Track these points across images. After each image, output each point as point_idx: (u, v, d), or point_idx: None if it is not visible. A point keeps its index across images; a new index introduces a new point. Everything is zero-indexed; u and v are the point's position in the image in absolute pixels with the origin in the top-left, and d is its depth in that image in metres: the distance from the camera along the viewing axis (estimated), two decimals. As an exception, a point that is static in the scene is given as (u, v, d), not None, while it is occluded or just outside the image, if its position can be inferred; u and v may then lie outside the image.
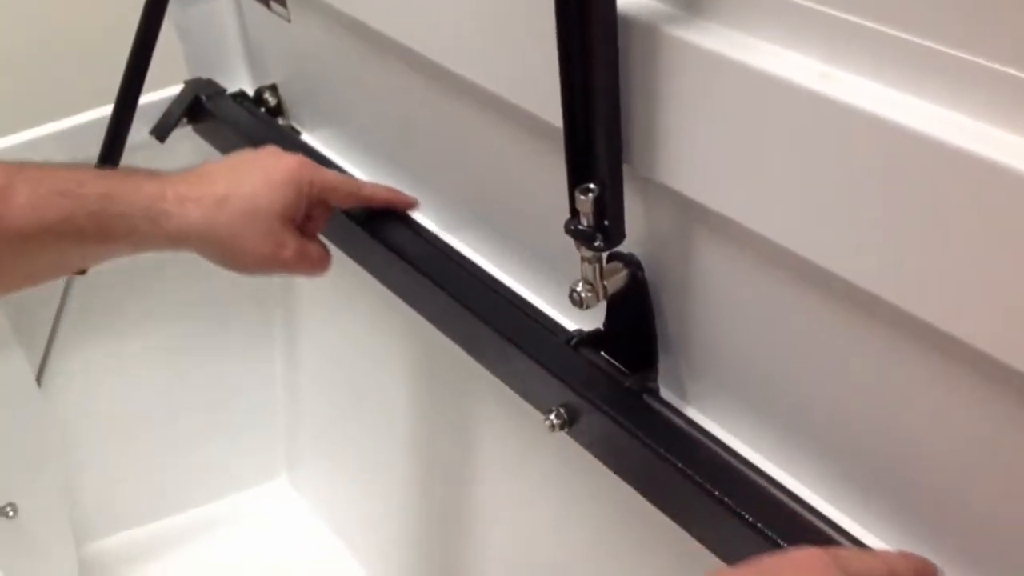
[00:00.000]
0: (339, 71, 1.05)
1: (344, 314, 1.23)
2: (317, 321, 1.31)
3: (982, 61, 0.48)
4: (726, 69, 0.58)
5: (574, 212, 0.70)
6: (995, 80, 0.48)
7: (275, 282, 1.32)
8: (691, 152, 0.63)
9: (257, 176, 0.84)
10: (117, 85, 1.11)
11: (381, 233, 0.92)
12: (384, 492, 1.28)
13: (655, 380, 0.77)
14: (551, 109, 0.68)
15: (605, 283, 0.73)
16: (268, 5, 1.10)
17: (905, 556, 0.63)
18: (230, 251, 0.83)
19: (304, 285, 1.30)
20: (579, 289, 0.73)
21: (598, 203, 0.69)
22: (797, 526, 0.65)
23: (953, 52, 0.49)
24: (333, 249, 0.88)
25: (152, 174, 0.82)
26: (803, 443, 0.69)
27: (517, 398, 0.83)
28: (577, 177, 0.69)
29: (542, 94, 0.69)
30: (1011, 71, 0.47)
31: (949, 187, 0.50)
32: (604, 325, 0.78)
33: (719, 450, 0.71)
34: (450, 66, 0.81)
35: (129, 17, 1.09)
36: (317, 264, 0.86)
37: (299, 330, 1.35)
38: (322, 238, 0.88)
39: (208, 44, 1.20)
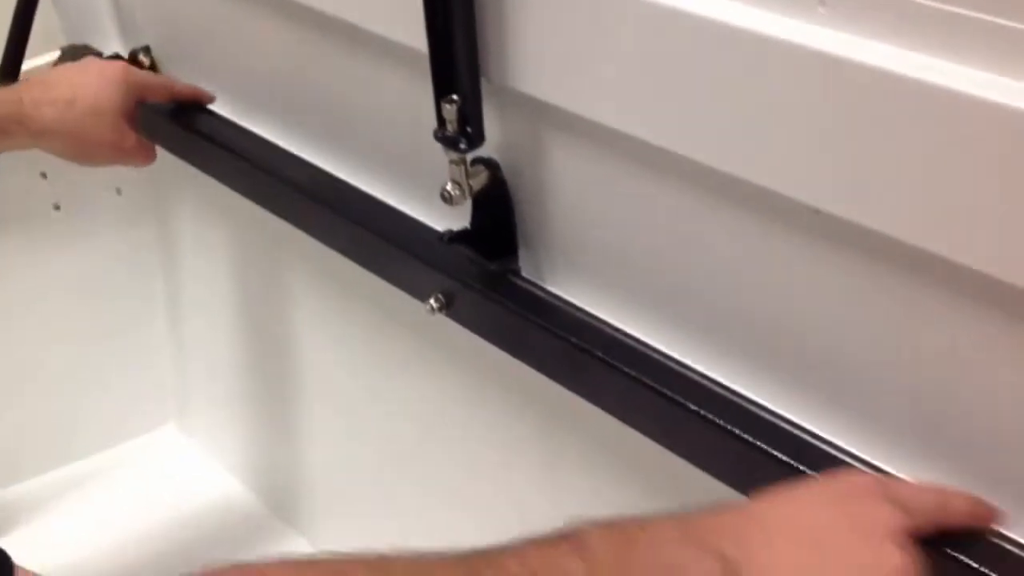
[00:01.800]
0: (208, 25, 1.15)
1: (223, 250, 1.33)
2: (198, 261, 1.39)
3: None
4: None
5: (440, 121, 0.83)
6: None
7: (152, 222, 1.40)
8: (535, 59, 0.77)
9: (96, 79, 1.05)
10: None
11: (279, 172, 1.05)
12: (273, 422, 1.38)
13: (517, 264, 0.91)
14: (414, 35, 0.81)
15: (471, 182, 0.87)
16: (140, -31, 1.20)
17: (961, 494, 0.61)
18: (80, 145, 1.04)
19: (181, 225, 1.39)
20: (448, 188, 0.86)
21: (460, 112, 0.82)
22: (639, 358, 0.80)
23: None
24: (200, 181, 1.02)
25: (5, 85, 1.03)
26: (640, 300, 0.84)
27: (396, 300, 0.96)
28: (441, 90, 0.82)
29: (405, 23, 0.82)
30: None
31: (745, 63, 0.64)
32: (471, 222, 0.92)
33: (571, 310, 0.85)
34: (319, 6, 0.93)
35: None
36: (150, 153, 1.10)
37: (180, 273, 1.43)
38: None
39: (82, 11, 1.28)
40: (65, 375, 1.44)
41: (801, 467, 0.68)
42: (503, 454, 1.04)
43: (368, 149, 1.02)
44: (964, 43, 0.55)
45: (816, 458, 0.70)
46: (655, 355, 0.80)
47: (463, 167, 0.85)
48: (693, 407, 0.74)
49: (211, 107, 1.16)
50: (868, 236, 0.62)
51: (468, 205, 0.89)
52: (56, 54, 1.28)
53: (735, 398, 0.75)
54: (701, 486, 0.73)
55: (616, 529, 0.55)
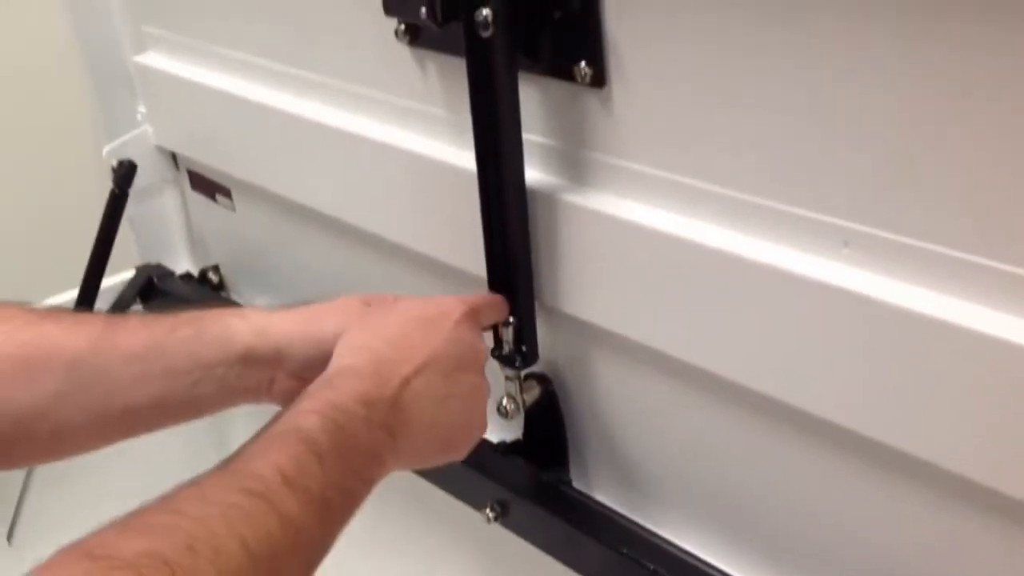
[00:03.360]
0: (273, 246, 1.25)
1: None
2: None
3: (780, 206, 0.70)
4: (605, 222, 0.80)
5: (497, 341, 0.90)
6: (787, 220, 0.70)
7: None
8: (584, 285, 0.84)
9: None
10: (73, 270, 1.28)
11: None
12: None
13: (568, 475, 0.96)
14: (475, 262, 0.88)
15: (524, 397, 0.93)
16: (214, 198, 1.30)
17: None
18: None
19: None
20: (504, 402, 0.92)
21: (517, 332, 0.89)
22: (689, 571, 0.84)
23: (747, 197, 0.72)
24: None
25: None
26: (690, 513, 0.88)
27: (454, 510, 1.01)
28: (499, 312, 0.89)
29: (466, 251, 0.90)
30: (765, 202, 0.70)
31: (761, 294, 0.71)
32: (524, 434, 0.98)
33: (621, 521, 0.90)
34: (380, 231, 1.02)
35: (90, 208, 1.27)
36: None
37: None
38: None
39: (157, 234, 1.39)
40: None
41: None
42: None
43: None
44: (974, 284, 0.61)
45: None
46: (706, 568, 0.84)
47: (518, 383, 0.92)
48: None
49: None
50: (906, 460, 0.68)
51: (521, 418, 0.95)
52: (131, 273, 1.38)
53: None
54: None
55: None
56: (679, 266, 0.76)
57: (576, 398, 0.94)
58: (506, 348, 0.89)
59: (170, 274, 1.37)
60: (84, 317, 0.81)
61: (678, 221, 0.76)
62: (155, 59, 1.23)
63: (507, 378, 0.91)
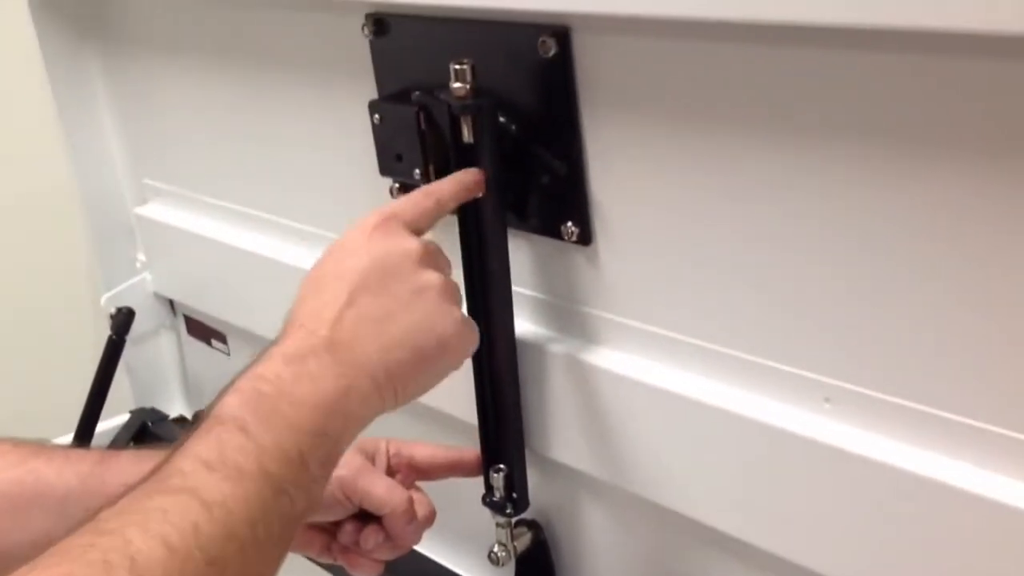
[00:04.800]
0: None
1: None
2: None
3: (763, 361, 0.73)
4: (593, 373, 0.82)
5: (488, 488, 0.91)
6: (777, 378, 0.73)
7: None
8: (573, 434, 0.86)
9: None
10: (68, 414, 1.29)
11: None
12: None
13: (559, 621, 0.96)
14: (467, 410, 0.90)
15: (515, 544, 0.94)
16: (210, 343, 1.33)
17: (451, 182, 0.75)
18: None
19: None
20: (495, 550, 0.93)
21: (507, 480, 0.90)
22: None
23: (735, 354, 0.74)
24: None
25: None
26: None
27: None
28: (490, 460, 0.91)
29: (458, 399, 0.92)
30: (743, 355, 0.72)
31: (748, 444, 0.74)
32: (515, 580, 0.98)
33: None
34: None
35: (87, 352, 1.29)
36: None
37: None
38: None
39: (153, 378, 1.41)
40: None
41: None
42: None
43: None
44: (954, 441, 0.64)
45: None
46: None
47: (509, 530, 0.93)
48: None
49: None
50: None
51: (513, 564, 0.95)
52: (125, 417, 1.39)
53: None
54: None
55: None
56: (664, 417, 0.78)
57: (567, 545, 0.95)
58: (497, 495, 0.90)
59: (164, 418, 1.38)
60: (75, 454, 0.82)
61: (663, 373, 0.79)
62: (155, 210, 1.27)
63: (498, 525, 0.92)
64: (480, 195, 0.78)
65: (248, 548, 0.56)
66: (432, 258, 0.72)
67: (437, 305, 0.70)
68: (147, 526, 0.53)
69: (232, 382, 0.63)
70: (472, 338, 0.74)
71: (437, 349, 0.70)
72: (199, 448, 0.58)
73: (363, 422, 0.66)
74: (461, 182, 0.77)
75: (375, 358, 0.67)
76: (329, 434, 0.63)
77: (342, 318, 0.67)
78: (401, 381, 0.68)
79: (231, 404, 0.61)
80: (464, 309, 0.74)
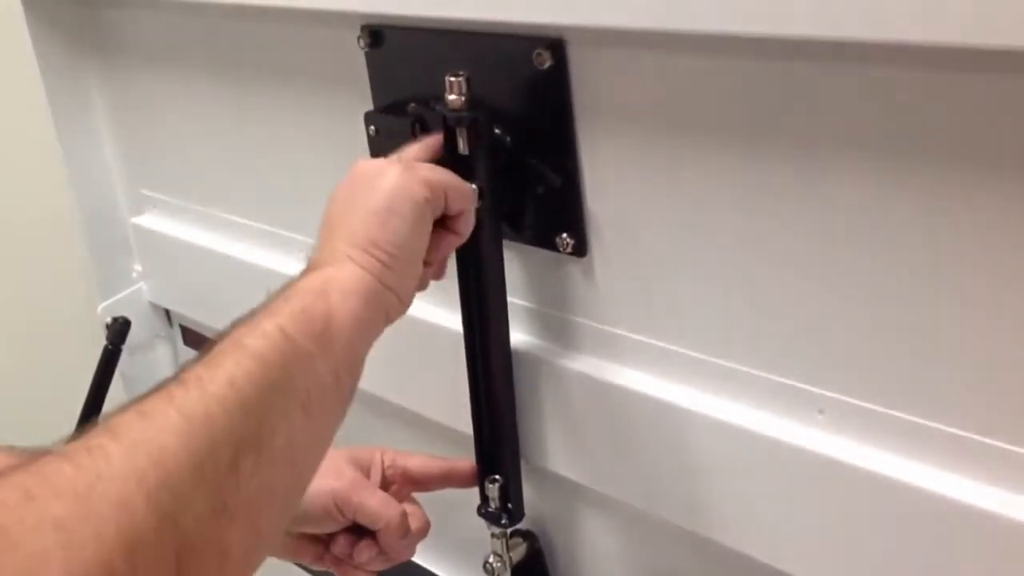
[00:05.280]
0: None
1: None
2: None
3: (757, 373, 0.73)
4: (588, 384, 0.82)
5: (484, 499, 0.91)
6: (765, 387, 0.73)
7: None
8: (568, 445, 0.87)
9: None
10: (63, 424, 1.29)
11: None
12: None
13: (555, 631, 0.96)
14: (463, 421, 0.91)
15: (511, 555, 0.94)
16: (206, 352, 1.33)
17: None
18: None
19: None
20: (491, 560, 0.93)
21: (502, 490, 0.90)
22: None
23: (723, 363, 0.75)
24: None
25: None
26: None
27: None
28: (485, 471, 0.91)
29: (454, 410, 0.92)
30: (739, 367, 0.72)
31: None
32: (510, 592, 0.98)
33: None
34: (375, 391, 1.04)
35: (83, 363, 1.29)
36: None
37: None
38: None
39: (149, 374, 1.40)
40: None
41: None
42: None
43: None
44: (947, 453, 0.64)
45: None
46: None
47: (504, 540, 0.93)
48: None
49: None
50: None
51: (508, 575, 0.96)
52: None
53: None
54: None
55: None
56: (658, 428, 0.79)
57: (562, 555, 0.95)
58: (492, 506, 0.91)
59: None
60: None
61: (658, 384, 0.79)
62: (152, 221, 1.27)
63: (493, 535, 0.92)
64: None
65: (233, 410, 0.55)
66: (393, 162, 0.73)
67: (378, 171, 0.71)
68: (126, 407, 0.53)
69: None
70: (412, 176, 0.72)
71: (383, 196, 0.70)
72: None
73: (356, 298, 0.66)
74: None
75: (340, 243, 0.69)
76: (309, 311, 0.63)
77: (320, 242, 0.70)
78: (368, 241, 0.68)
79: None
80: (432, 170, 0.74)
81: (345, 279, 0.66)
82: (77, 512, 0.47)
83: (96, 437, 0.51)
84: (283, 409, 0.58)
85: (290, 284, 0.67)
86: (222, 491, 0.54)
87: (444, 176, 0.73)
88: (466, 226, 0.76)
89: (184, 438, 0.52)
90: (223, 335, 0.61)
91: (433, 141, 0.78)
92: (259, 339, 0.59)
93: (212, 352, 0.59)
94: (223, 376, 0.56)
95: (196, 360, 0.58)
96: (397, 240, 0.69)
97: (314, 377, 0.61)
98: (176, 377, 0.57)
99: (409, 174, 0.71)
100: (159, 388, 0.56)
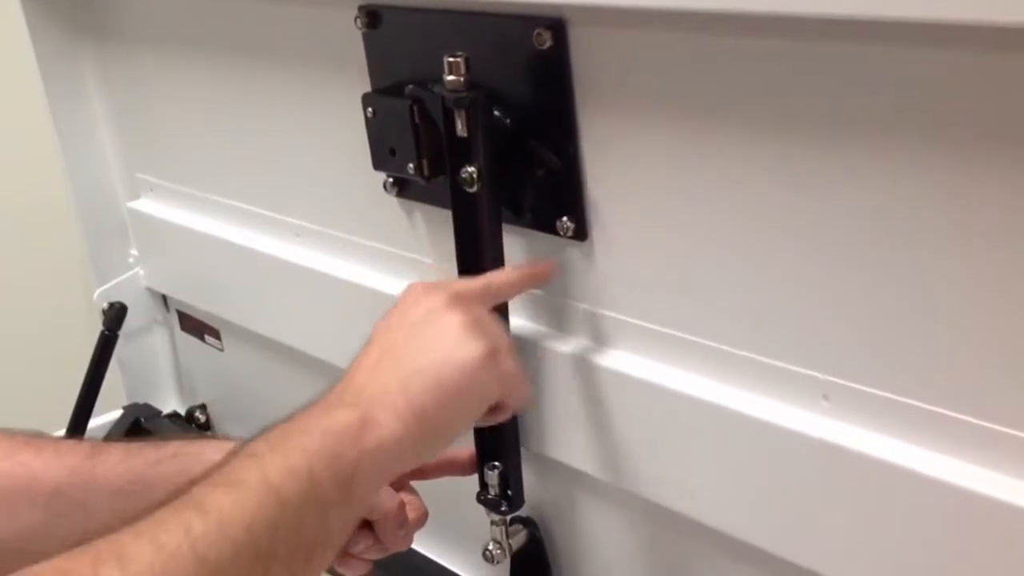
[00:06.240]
0: (268, 387, 1.26)
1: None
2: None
3: (760, 358, 0.72)
4: (588, 370, 0.81)
5: (483, 486, 0.91)
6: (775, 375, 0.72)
7: None
8: (568, 432, 0.86)
9: None
10: (61, 409, 1.28)
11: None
12: None
13: (555, 619, 0.96)
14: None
15: (510, 542, 0.93)
16: (203, 339, 1.32)
17: (511, 269, 0.77)
18: None
19: None
20: (490, 548, 0.92)
21: (502, 477, 0.89)
22: None
23: (734, 351, 0.74)
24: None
25: None
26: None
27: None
28: (484, 458, 0.90)
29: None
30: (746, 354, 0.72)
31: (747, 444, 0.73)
32: (510, 578, 0.98)
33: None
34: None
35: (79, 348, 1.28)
36: None
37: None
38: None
39: (146, 373, 1.40)
40: None
41: None
42: None
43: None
44: (951, 439, 0.63)
45: None
46: None
47: (503, 527, 0.92)
48: None
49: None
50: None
51: (508, 562, 0.95)
52: (118, 412, 1.38)
53: None
54: None
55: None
56: (660, 414, 0.78)
57: (562, 543, 0.94)
58: (492, 493, 0.90)
59: (157, 414, 1.37)
60: (65, 446, 0.82)
61: (660, 370, 0.78)
62: (148, 205, 1.26)
63: (493, 523, 0.92)
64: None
65: (245, 553, 0.55)
66: (463, 302, 0.71)
67: (459, 336, 0.68)
68: (139, 529, 0.53)
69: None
70: (504, 375, 0.70)
71: (459, 376, 0.67)
72: (213, 473, 0.58)
73: (385, 460, 0.64)
74: (524, 272, 0.79)
75: (393, 387, 0.66)
76: (341, 458, 0.61)
77: (368, 367, 0.68)
78: (424, 412, 0.66)
79: (251, 442, 0.61)
80: (513, 363, 0.72)
81: (385, 437, 0.64)
82: None
83: (106, 564, 0.51)
84: (290, 560, 0.58)
85: (330, 406, 0.64)
86: None
87: (519, 374, 0.72)
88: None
89: None
90: (251, 442, 0.61)
91: (535, 271, 0.79)
92: (284, 474, 0.58)
93: (235, 471, 0.58)
94: (241, 516, 0.55)
95: (219, 475, 0.58)
96: (449, 430, 0.68)
97: (323, 529, 0.60)
98: (193, 497, 0.56)
99: (493, 365, 0.69)
100: (176, 505, 0.55)
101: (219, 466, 0.59)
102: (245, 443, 0.61)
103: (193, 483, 0.58)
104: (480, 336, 0.69)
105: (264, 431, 0.62)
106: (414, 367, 0.67)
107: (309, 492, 0.59)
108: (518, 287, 0.79)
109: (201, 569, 0.53)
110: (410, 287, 0.73)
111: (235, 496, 0.56)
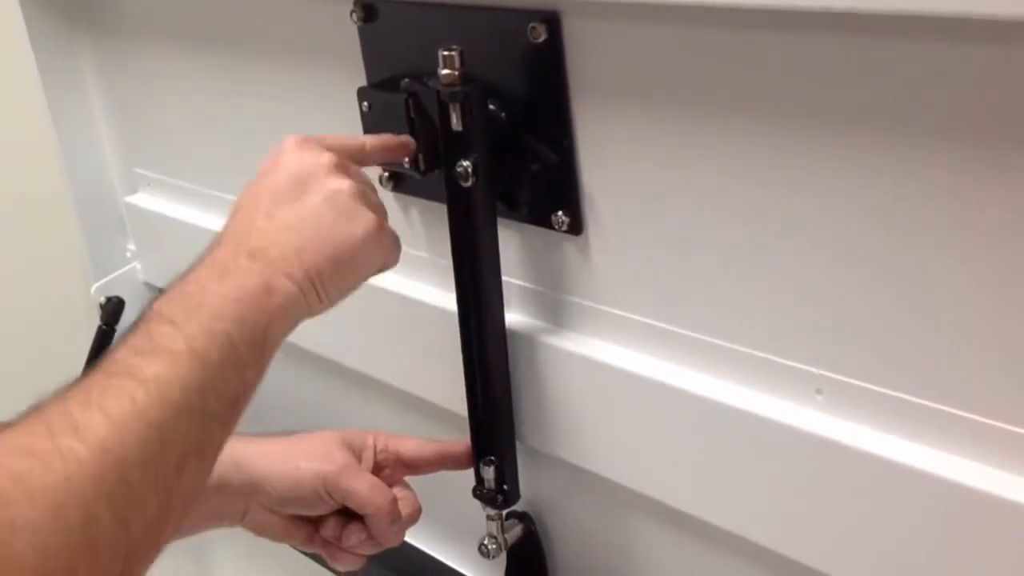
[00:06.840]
0: (264, 382, 1.25)
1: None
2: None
3: (755, 352, 0.72)
4: (584, 364, 0.81)
5: (479, 480, 0.91)
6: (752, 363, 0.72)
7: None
8: (564, 426, 0.86)
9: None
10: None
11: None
12: None
13: (550, 613, 0.96)
14: (457, 402, 0.90)
15: (506, 536, 0.93)
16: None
17: (378, 137, 0.80)
18: None
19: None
20: (486, 542, 0.92)
21: (498, 472, 0.89)
22: None
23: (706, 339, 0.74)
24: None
25: None
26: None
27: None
28: (480, 452, 0.90)
29: (448, 391, 0.91)
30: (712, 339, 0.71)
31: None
32: (506, 573, 0.97)
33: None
34: (369, 372, 1.03)
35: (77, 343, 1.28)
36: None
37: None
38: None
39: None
40: None
41: None
42: None
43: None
44: (946, 433, 0.63)
45: None
46: None
47: (499, 522, 0.92)
48: None
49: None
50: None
51: (503, 557, 0.95)
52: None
53: None
54: None
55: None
56: (655, 409, 0.78)
57: (558, 537, 0.94)
58: (487, 487, 0.90)
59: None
60: None
61: (655, 364, 0.78)
62: (146, 200, 1.26)
63: (489, 517, 0.92)
64: (404, 161, 0.82)
65: (184, 415, 0.59)
66: (344, 168, 0.74)
67: (348, 207, 0.72)
68: (87, 401, 0.56)
69: (159, 293, 0.66)
70: (387, 246, 0.75)
71: (351, 249, 0.72)
72: (131, 341, 0.61)
73: (288, 321, 0.68)
74: (384, 139, 0.81)
75: (292, 258, 0.69)
76: (253, 322, 0.65)
77: (261, 229, 0.70)
78: (320, 279, 0.70)
79: (158, 306, 0.64)
80: (387, 221, 0.75)
81: (288, 302, 0.68)
82: (50, 521, 0.51)
83: (64, 437, 0.54)
84: (220, 414, 0.62)
85: (233, 267, 0.67)
86: (169, 495, 0.57)
87: (398, 240, 0.77)
88: None
89: (144, 444, 0.56)
90: (158, 306, 0.63)
91: (403, 140, 0.81)
92: (207, 340, 0.62)
93: (160, 339, 0.61)
94: (177, 382, 0.59)
95: (144, 343, 0.60)
96: (340, 293, 0.72)
97: (243, 384, 0.64)
98: (127, 365, 0.59)
99: (380, 235, 0.73)
100: (110, 374, 0.58)
101: (137, 333, 0.62)
102: (153, 307, 0.64)
103: (114, 351, 0.61)
104: (368, 207, 0.73)
105: (169, 291, 0.66)
106: (308, 235, 0.71)
107: (230, 355, 0.63)
108: (389, 154, 0.82)
109: (151, 433, 0.56)
110: (285, 139, 0.76)
111: (166, 363, 0.59)
